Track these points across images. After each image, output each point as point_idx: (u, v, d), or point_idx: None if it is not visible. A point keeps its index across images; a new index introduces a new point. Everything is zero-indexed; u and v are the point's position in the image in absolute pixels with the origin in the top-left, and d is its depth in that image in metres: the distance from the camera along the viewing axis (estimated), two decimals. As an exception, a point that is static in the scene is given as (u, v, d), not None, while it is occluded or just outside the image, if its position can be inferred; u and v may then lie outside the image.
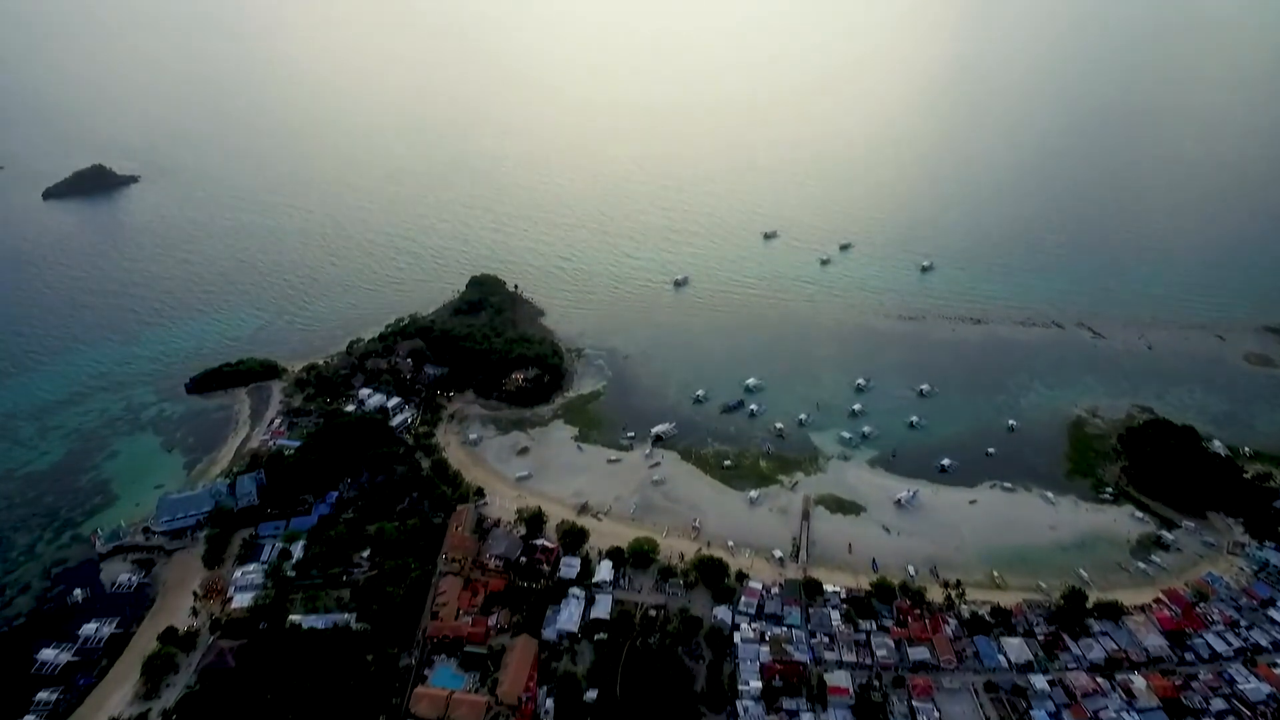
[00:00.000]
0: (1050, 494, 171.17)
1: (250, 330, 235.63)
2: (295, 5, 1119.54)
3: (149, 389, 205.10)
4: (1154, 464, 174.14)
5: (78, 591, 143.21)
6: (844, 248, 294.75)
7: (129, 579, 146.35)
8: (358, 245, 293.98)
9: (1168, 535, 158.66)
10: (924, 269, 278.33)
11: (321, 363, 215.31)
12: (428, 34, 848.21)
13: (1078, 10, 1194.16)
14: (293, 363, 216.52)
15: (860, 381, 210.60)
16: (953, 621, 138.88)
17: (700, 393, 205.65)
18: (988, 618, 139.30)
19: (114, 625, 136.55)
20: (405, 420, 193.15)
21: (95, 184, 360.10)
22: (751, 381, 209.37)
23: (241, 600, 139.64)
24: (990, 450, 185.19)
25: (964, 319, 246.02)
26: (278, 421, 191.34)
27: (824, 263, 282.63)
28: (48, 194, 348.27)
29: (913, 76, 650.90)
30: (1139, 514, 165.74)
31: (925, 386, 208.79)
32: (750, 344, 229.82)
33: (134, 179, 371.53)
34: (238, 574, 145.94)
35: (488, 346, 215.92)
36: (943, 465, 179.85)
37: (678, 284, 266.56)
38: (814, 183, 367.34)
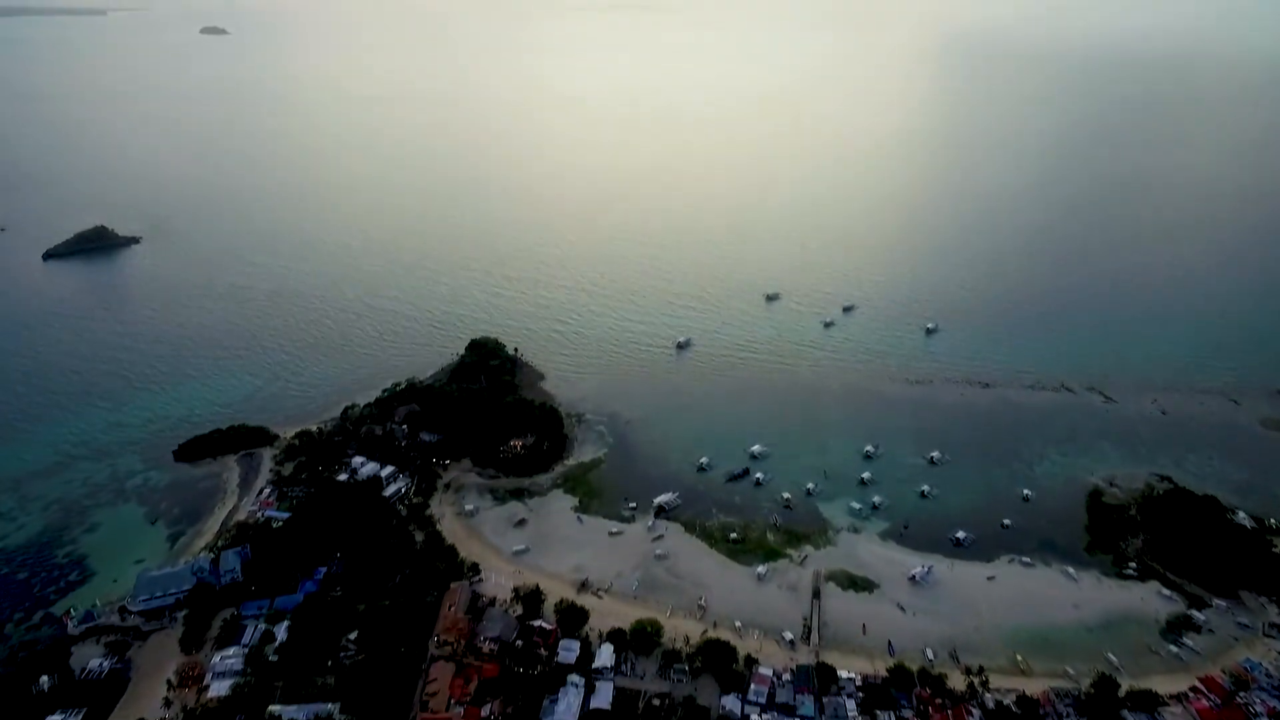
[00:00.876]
0: (1071, 569, 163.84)
1: (243, 394, 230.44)
2: (301, 80, 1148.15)
3: (136, 456, 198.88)
4: (1178, 537, 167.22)
5: (45, 679, 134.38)
6: (847, 310, 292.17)
7: (100, 665, 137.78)
8: (356, 307, 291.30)
9: (1198, 615, 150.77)
10: (929, 331, 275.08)
11: (315, 429, 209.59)
12: (433, 105, 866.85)
13: (1078, 77, 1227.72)
14: (285, 428, 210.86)
15: (869, 448, 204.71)
16: (976, 712, 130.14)
17: (704, 460, 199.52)
18: (1014, 708, 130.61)
19: (80, 717, 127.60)
20: (399, 490, 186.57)
21: (96, 245, 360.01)
22: (757, 448, 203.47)
23: (219, 689, 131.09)
24: (1006, 522, 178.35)
25: (972, 383, 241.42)
26: (267, 491, 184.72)
27: (827, 325, 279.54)
28: (48, 255, 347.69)
29: (913, 142, 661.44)
30: (1166, 591, 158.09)
31: (936, 454, 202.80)
32: (755, 409, 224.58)
33: (136, 240, 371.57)
34: (216, 659, 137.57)
35: (486, 412, 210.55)
36: (957, 538, 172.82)
37: (680, 346, 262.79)
38: (815, 244, 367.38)
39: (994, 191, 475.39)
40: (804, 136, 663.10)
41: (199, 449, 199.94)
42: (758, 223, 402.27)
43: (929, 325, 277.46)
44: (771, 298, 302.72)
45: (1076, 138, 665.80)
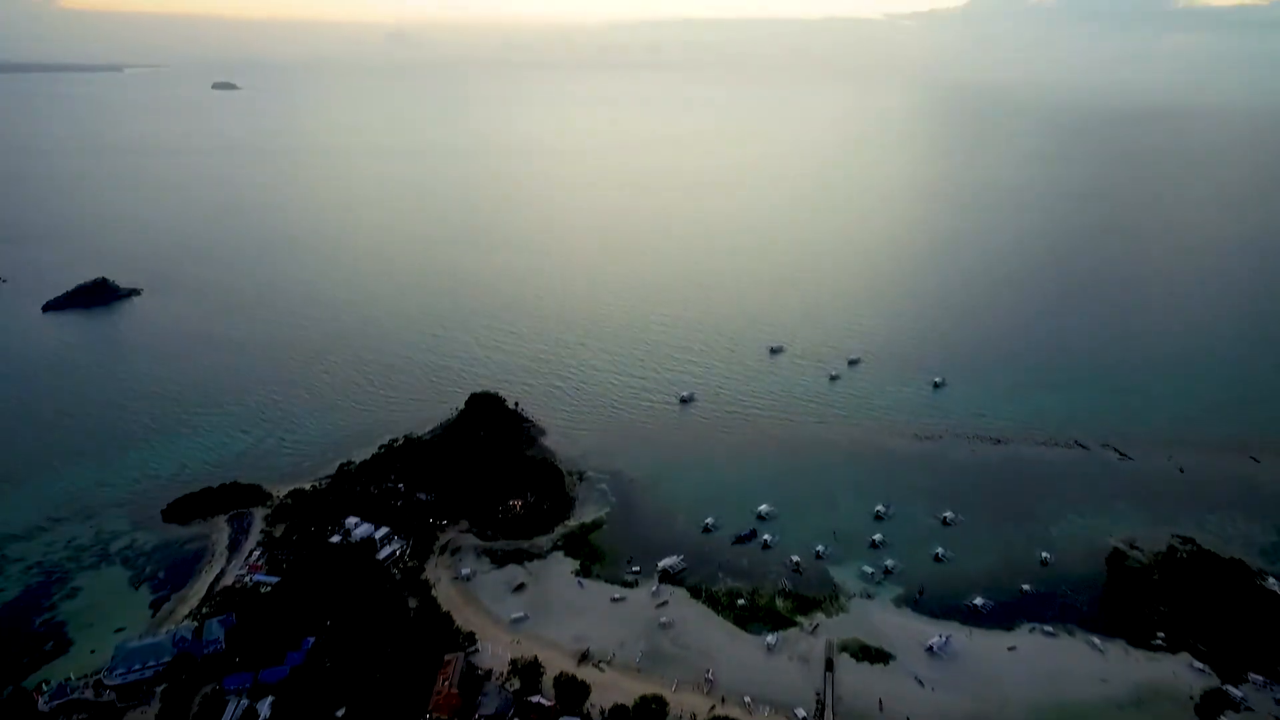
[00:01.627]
0: (1096, 639, 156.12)
1: (237, 451, 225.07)
2: (309, 133, 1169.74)
3: (123, 516, 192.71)
4: (1206, 605, 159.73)
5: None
6: (853, 363, 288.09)
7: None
8: (354, 360, 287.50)
9: (1235, 691, 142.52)
10: (936, 385, 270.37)
11: (308, 487, 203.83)
12: (443, 157, 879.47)
13: (1079, 130, 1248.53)
14: (278, 487, 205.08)
15: (879, 508, 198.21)
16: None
17: (709, 520, 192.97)
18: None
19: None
20: (394, 552, 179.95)
21: (96, 297, 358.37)
22: (764, 508, 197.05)
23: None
24: (1025, 587, 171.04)
25: (983, 439, 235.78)
26: (256, 554, 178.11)
27: (833, 379, 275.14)
28: (47, 306, 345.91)
29: (914, 193, 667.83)
30: (1198, 664, 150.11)
31: (948, 514, 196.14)
32: (761, 466, 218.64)
33: (136, 291, 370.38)
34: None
35: (485, 470, 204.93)
36: (975, 605, 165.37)
37: (683, 401, 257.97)
38: (818, 295, 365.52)
39: (996, 243, 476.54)
40: (805, 188, 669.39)
41: (188, 508, 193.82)
42: (759, 274, 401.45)
43: (936, 379, 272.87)
44: (775, 350, 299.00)
45: (1079, 189, 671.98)
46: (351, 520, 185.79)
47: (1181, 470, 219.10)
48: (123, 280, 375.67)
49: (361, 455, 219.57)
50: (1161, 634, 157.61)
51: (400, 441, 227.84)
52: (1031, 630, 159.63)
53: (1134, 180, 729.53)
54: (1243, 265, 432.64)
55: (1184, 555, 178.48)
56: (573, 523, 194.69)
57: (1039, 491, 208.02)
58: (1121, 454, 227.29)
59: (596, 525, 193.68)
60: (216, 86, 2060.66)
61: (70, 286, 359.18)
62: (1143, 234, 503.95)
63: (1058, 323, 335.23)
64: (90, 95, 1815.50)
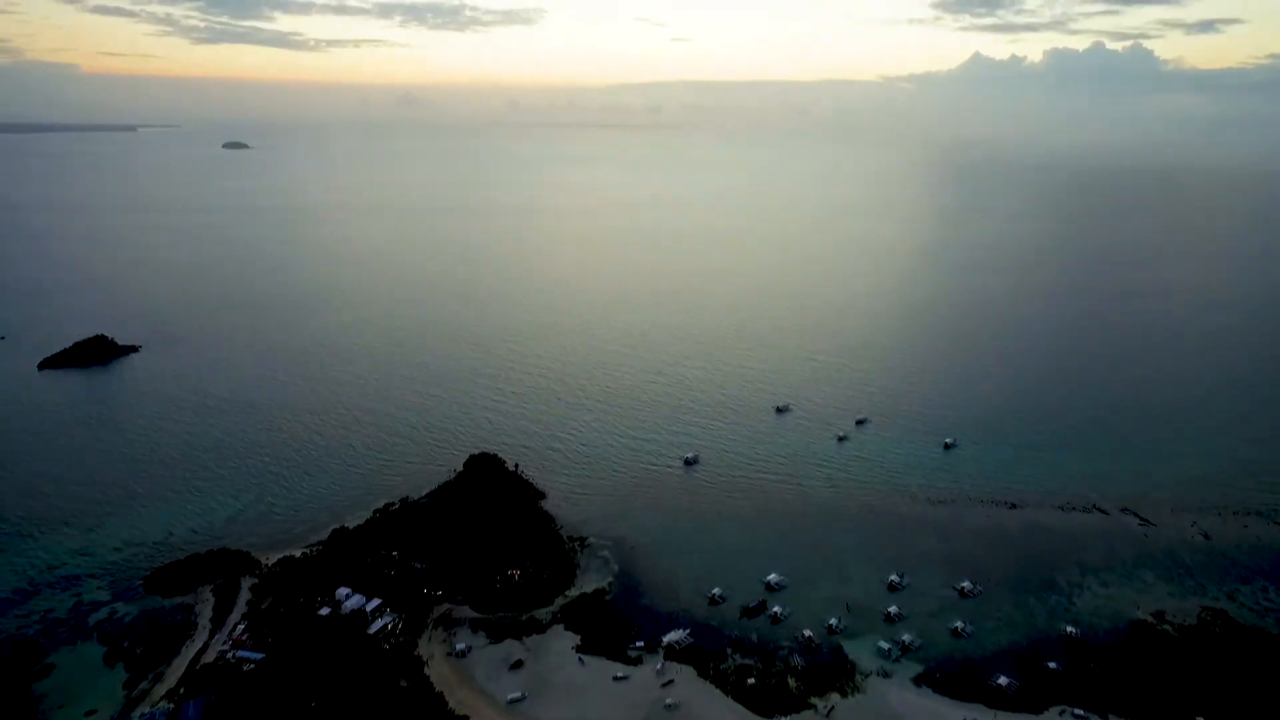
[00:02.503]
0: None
1: (226, 515, 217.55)
2: (316, 191, 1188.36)
3: (104, 586, 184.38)
4: (1245, 685, 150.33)
5: None
6: (860, 423, 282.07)
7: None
8: (351, 420, 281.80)
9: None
10: (947, 446, 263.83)
11: (299, 554, 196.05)
12: (447, 214, 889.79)
13: (1081, 188, 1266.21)
14: (268, 554, 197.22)
15: (893, 578, 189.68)
16: None
17: (716, 591, 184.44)
18: None
19: None
20: (385, 625, 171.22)
21: (94, 354, 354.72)
22: (773, 578, 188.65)
23: None
24: (1051, 664, 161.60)
25: (998, 503, 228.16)
26: (241, 628, 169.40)
27: (841, 439, 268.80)
28: (43, 364, 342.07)
29: (918, 251, 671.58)
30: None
31: (967, 584, 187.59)
32: (769, 532, 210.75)
33: (135, 348, 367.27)
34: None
35: (483, 537, 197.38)
36: (1000, 685, 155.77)
37: (687, 463, 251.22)
38: (824, 353, 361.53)
39: (997, 300, 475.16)
40: (804, 245, 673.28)
41: (172, 577, 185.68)
42: (764, 331, 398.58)
43: (947, 440, 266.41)
44: (781, 410, 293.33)
45: (1080, 247, 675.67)
46: (342, 591, 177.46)
47: (1206, 537, 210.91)
48: (123, 337, 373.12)
49: (356, 520, 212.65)
50: (1200, 718, 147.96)
51: (396, 505, 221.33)
52: (1061, 713, 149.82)
53: (1136, 238, 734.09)
54: (1257, 323, 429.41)
55: (1217, 630, 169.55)
56: (573, 593, 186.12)
57: (1059, 559, 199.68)
58: (1142, 519, 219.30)
59: (598, 596, 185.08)
60: (228, 146, 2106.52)
61: (69, 343, 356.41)
62: (1150, 291, 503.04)
63: (1068, 381, 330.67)
64: (100, 154, 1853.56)
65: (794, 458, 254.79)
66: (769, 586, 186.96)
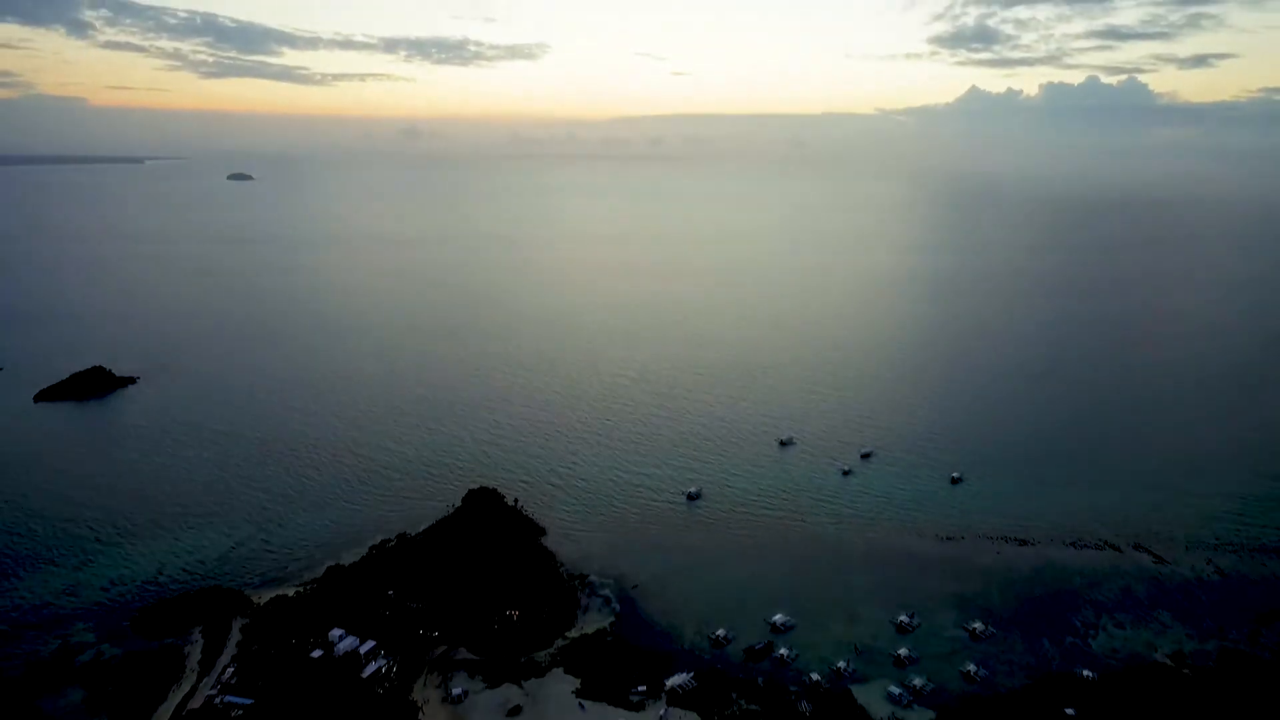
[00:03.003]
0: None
1: (219, 552, 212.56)
2: (319, 222, 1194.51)
3: (90, 627, 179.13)
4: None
5: None
6: (865, 456, 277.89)
7: None
8: (347, 454, 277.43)
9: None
10: (954, 480, 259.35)
11: (292, 593, 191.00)
12: (448, 244, 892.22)
13: (1082, 219, 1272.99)
14: (261, 593, 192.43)
15: (902, 618, 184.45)
16: None
17: (721, 632, 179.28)
18: None
19: None
20: (379, 669, 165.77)
21: (91, 386, 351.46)
22: (779, 618, 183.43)
23: None
24: (1069, 711, 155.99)
25: (1008, 539, 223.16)
26: (230, 671, 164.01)
27: (845, 474, 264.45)
28: (39, 396, 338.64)
29: (921, 281, 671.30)
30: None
31: (979, 625, 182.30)
32: (774, 570, 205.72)
33: (133, 380, 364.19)
34: None
35: (481, 575, 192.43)
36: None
37: (690, 498, 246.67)
38: (826, 385, 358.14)
39: (1001, 332, 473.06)
40: (806, 275, 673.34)
41: (161, 618, 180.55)
42: (765, 362, 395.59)
43: (954, 474, 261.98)
44: (785, 443, 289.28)
45: (1081, 279, 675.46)
46: (336, 633, 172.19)
47: (1222, 574, 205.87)
48: (120, 368, 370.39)
49: (352, 557, 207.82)
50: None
51: (393, 541, 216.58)
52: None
53: (1142, 269, 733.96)
54: (1270, 354, 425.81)
55: (1239, 674, 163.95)
56: (574, 634, 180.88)
57: (1072, 599, 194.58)
58: (1156, 556, 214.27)
59: (599, 637, 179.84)
60: (232, 177, 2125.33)
61: (65, 375, 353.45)
62: (1160, 322, 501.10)
63: (1076, 412, 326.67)
64: (102, 185, 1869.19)
65: (799, 492, 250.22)
66: (775, 627, 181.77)
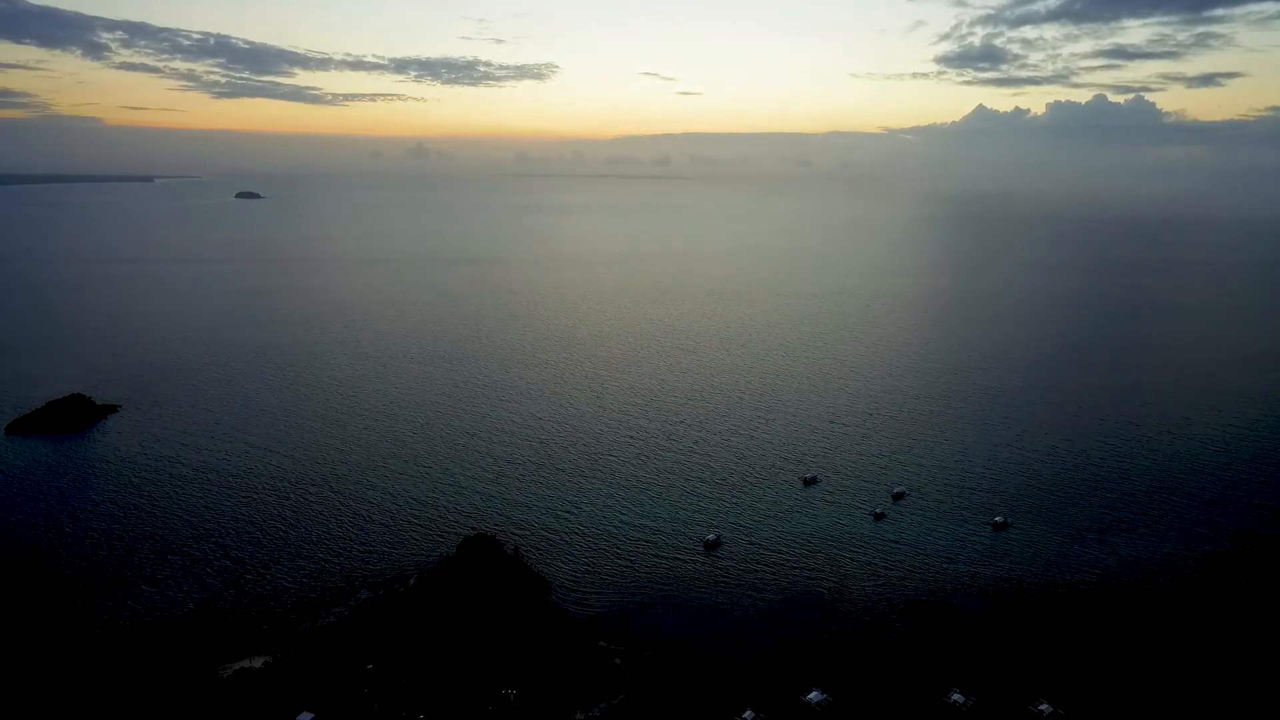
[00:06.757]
0: None
1: (183, 610, 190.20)
2: (323, 242, 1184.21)
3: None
4: None
5: None
6: (897, 498, 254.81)
7: None
8: (334, 496, 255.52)
9: None
10: (997, 526, 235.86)
11: (260, 664, 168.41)
12: (452, 266, 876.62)
13: (1083, 241, 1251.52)
14: (224, 664, 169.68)
15: (957, 698, 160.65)
16: None
17: (749, 715, 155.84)
18: None
19: None
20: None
21: (69, 416, 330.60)
22: (814, 697, 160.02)
23: None
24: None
25: (1062, 594, 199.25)
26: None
27: (877, 517, 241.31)
28: (11, 428, 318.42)
29: (934, 308, 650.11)
30: None
31: (1045, 707, 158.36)
32: (806, 634, 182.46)
33: (113, 409, 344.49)
34: None
35: (475, 643, 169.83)
36: None
37: (708, 546, 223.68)
38: (849, 419, 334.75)
39: (1024, 358, 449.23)
40: (822, 299, 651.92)
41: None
42: (783, 391, 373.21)
43: (997, 519, 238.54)
44: (810, 482, 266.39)
45: (1102, 301, 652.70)
46: (305, 717, 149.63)
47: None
48: (101, 395, 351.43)
49: (330, 617, 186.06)
50: None
51: (380, 596, 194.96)
52: None
53: (1161, 291, 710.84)
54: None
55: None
56: (580, 717, 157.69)
57: (1147, 670, 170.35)
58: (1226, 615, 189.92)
59: (611, 717, 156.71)
60: (240, 195, 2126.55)
61: (43, 403, 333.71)
62: (1192, 348, 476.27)
63: (1131, 448, 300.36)
64: (109, 204, 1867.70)
65: (828, 540, 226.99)
66: (812, 707, 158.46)
